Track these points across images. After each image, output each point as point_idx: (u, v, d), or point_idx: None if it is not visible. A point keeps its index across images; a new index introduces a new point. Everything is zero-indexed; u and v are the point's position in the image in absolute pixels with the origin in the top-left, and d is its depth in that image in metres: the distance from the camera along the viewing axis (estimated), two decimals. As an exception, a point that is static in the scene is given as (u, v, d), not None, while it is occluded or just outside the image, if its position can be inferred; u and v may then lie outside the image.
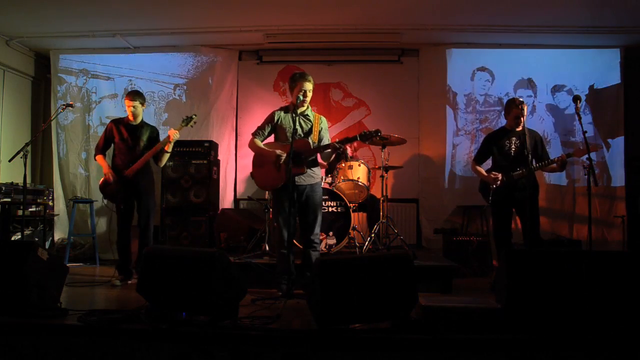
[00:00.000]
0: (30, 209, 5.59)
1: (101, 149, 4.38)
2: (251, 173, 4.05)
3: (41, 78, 6.60)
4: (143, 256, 2.96)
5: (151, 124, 4.54)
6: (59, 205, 6.16)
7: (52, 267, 3.08)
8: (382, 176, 4.79)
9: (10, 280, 2.85)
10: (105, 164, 4.32)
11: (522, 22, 5.39)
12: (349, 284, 2.59)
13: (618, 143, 5.88)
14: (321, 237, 4.46)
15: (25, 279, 2.85)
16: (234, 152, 6.33)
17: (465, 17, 5.37)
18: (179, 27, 5.66)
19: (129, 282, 4.24)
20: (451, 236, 5.19)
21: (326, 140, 3.91)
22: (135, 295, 2.97)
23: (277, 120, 3.82)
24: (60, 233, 6.12)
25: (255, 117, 5.80)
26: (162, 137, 4.50)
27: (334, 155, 3.91)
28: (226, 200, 6.20)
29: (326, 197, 4.66)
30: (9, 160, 4.32)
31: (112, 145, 4.40)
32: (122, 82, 6.30)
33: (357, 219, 5.17)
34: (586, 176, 3.76)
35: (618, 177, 5.86)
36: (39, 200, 5.73)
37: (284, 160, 3.63)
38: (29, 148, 4.20)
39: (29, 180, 4.60)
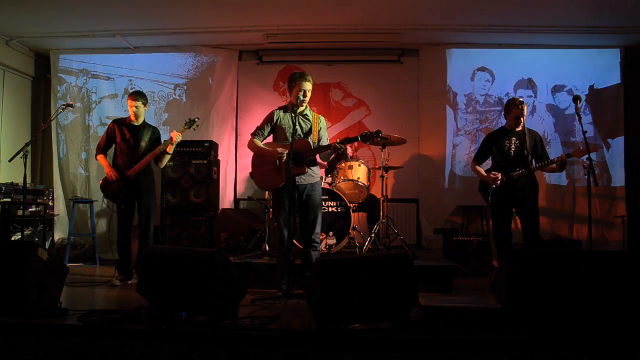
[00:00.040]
0: (30, 209, 5.58)
1: (102, 149, 4.39)
2: (250, 173, 4.06)
3: (41, 78, 6.60)
4: (143, 256, 2.96)
5: (151, 124, 4.55)
6: (59, 205, 6.16)
7: (52, 267, 3.08)
8: (382, 176, 4.79)
9: (10, 280, 2.85)
10: (106, 163, 4.33)
11: (522, 22, 5.39)
12: (349, 284, 2.59)
13: (618, 143, 5.88)
14: (321, 237, 4.46)
15: (25, 279, 2.85)
16: (234, 152, 6.33)
17: (465, 17, 5.37)
18: (179, 27, 5.66)
19: (129, 282, 4.24)
20: (451, 236, 5.19)
21: (325, 140, 3.91)
22: (135, 295, 2.97)
23: (277, 120, 3.81)
24: (60, 233, 6.12)
25: (255, 117, 5.80)
26: (162, 138, 4.51)
27: (333, 155, 3.90)
28: (226, 200, 6.20)
29: (326, 197, 4.66)
30: (9, 160, 4.32)
31: (114, 145, 4.40)
32: (122, 82, 6.30)
33: (357, 219, 5.17)
34: (586, 176, 3.76)
35: (618, 177, 5.86)
36: (39, 200, 5.73)
37: (285, 160, 3.62)
38: (29, 148, 4.20)
39: (29, 180, 4.60)
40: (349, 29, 5.62)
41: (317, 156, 3.92)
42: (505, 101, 4.93)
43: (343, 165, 4.88)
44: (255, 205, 5.94)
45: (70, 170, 6.23)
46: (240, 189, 6.32)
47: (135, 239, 4.35)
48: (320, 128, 3.89)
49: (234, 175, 6.32)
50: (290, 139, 3.61)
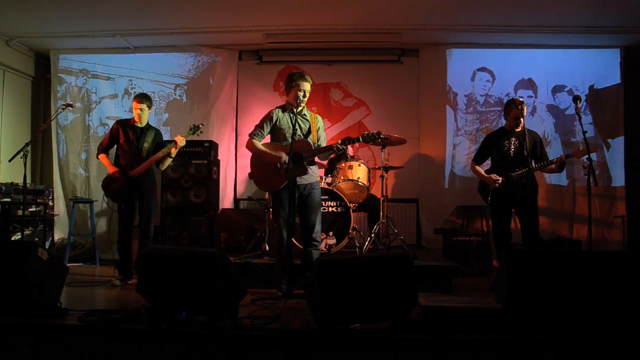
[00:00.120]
0: (30, 209, 5.59)
1: (104, 149, 4.40)
2: (250, 174, 4.04)
3: (41, 78, 6.60)
4: (143, 256, 2.96)
5: (152, 124, 4.55)
6: (59, 205, 6.16)
7: (52, 267, 3.08)
8: (382, 176, 4.79)
9: (10, 280, 2.85)
10: (108, 162, 4.34)
11: (522, 22, 5.39)
12: (349, 284, 2.58)
13: (618, 143, 5.88)
14: (321, 237, 4.46)
15: (25, 279, 2.85)
16: (234, 152, 6.33)
17: (465, 17, 5.37)
18: (179, 27, 5.66)
19: (129, 282, 4.25)
20: (451, 236, 5.20)
21: (323, 139, 3.91)
22: (135, 295, 2.97)
23: (276, 120, 3.79)
24: (60, 233, 6.12)
25: (255, 117, 5.74)
26: (163, 139, 4.52)
27: (333, 155, 3.89)
28: (226, 200, 6.20)
29: (326, 197, 4.65)
30: (9, 160, 4.32)
31: (115, 146, 4.41)
32: (122, 82, 6.31)
33: (357, 219, 5.17)
34: (586, 176, 3.76)
35: (618, 177, 5.86)
36: (39, 200, 5.73)
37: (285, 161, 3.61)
38: (29, 148, 4.21)
39: (29, 180, 4.60)
40: (349, 29, 5.62)
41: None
42: (505, 101, 4.93)
43: (343, 165, 4.88)
44: (255, 205, 5.94)
45: (70, 171, 6.23)
46: (240, 189, 6.32)
47: (135, 239, 4.36)
48: (319, 128, 3.88)
49: (234, 175, 6.32)
50: (289, 140, 3.60)
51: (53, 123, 6.17)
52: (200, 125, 4.42)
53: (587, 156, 3.74)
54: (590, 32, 5.53)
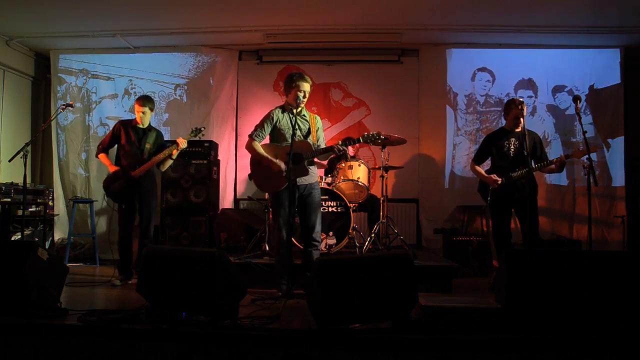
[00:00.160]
0: (30, 209, 5.59)
1: (105, 148, 4.41)
2: (249, 175, 4.02)
3: (41, 78, 6.60)
4: (143, 256, 2.96)
5: (152, 124, 4.55)
6: (59, 205, 6.16)
7: (52, 267, 3.08)
8: (382, 176, 4.79)
9: (10, 280, 2.85)
10: (109, 162, 4.35)
11: (522, 22, 5.39)
12: (349, 284, 2.58)
13: (618, 143, 5.88)
14: (321, 237, 4.46)
15: (25, 279, 2.85)
16: (234, 152, 6.33)
17: (465, 17, 5.37)
18: (178, 27, 5.66)
19: (130, 282, 4.25)
20: (451, 236, 5.20)
21: (322, 140, 3.91)
22: (136, 295, 2.97)
23: (276, 120, 3.76)
24: (60, 233, 6.12)
25: (255, 117, 5.75)
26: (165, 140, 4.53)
27: (333, 155, 3.89)
28: (226, 200, 6.20)
29: (326, 197, 4.65)
30: (9, 160, 4.32)
31: (116, 146, 4.42)
32: (123, 82, 6.30)
33: (357, 219, 5.17)
34: (586, 176, 3.76)
35: (618, 177, 5.86)
36: (39, 200, 5.73)
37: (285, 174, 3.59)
38: (29, 148, 4.21)
39: (29, 180, 4.60)
40: (349, 29, 5.62)
41: None
42: (505, 102, 4.93)
43: (343, 165, 4.88)
44: (255, 205, 5.94)
45: (70, 171, 6.23)
46: (240, 189, 6.32)
47: (135, 239, 4.36)
48: (318, 128, 3.88)
49: (234, 175, 6.32)
50: (289, 140, 3.59)
51: (53, 123, 6.17)
52: (202, 128, 4.44)
53: (587, 156, 3.74)
54: (590, 32, 5.53)
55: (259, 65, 6.35)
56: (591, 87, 5.95)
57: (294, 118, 3.71)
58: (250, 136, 3.79)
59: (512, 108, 4.20)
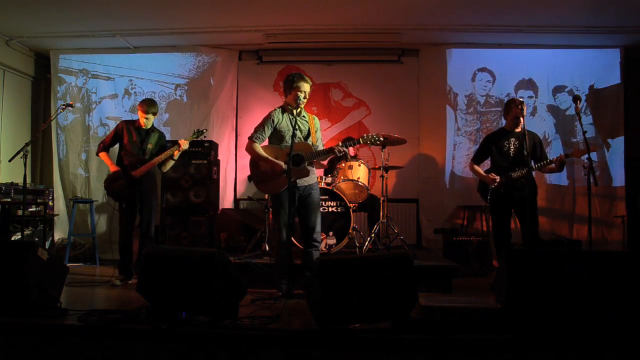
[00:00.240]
0: (30, 209, 5.59)
1: (106, 147, 4.42)
2: (249, 177, 4.01)
3: (41, 78, 6.61)
4: (143, 256, 2.96)
5: (154, 125, 4.55)
6: (59, 205, 6.16)
7: (52, 267, 3.08)
8: (382, 176, 4.79)
9: (10, 280, 2.85)
10: (110, 161, 4.35)
11: (522, 22, 5.39)
12: (349, 284, 2.59)
13: (618, 143, 5.88)
14: (321, 237, 4.46)
15: (25, 279, 2.85)
16: (234, 152, 6.33)
17: (465, 17, 5.36)
18: (178, 27, 5.66)
19: (130, 282, 4.25)
20: (451, 236, 5.20)
21: (321, 140, 3.91)
22: (136, 295, 2.98)
23: (277, 122, 3.75)
24: (60, 233, 6.12)
25: (255, 117, 5.78)
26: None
27: (333, 155, 3.89)
28: (226, 200, 6.20)
29: (326, 197, 4.66)
30: (9, 160, 4.32)
31: (118, 145, 4.42)
32: (123, 82, 6.30)
33: (357, 219, 5.17)
34: (586, 176, 3.76)
35: (618, 177, 5.86)
36: (39, 200, 5.73)
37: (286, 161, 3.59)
38: (29, 148, 4.21)
39: (29, 180, 4.60)
40: (349, 29, 5.62)
41: None
42: (505, 102, 4.93)
43: (343, 165, 4.88)
44: (255, 205, 5.94)
45: (70, 171, 6.23)
46: (240, 189, 6.32)
47: (136, 239, 4.36)
48: (317, 129, 3.88)
49: (234, 175, 6.32)
50: (289, 142, 3.59)
51: (53, 123, 6.17)
52: (205, 130, 4.45)
53: (587, 156, 3.74)
54: (590, 32, 5.53)
55: (259, 65, 6.35)
56: (591, 87, 5.95)
57: (294, 119, 3.71)
58: (250, 138, 3.76)
59: (512, 108, 4.21)
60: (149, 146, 4.33)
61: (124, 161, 4.32)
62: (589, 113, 5.93)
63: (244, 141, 6.09)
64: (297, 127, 3.71)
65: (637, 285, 2.66)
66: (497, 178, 4.16)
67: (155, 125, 4.54)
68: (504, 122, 4.44)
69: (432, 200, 6.07)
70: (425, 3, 5.05)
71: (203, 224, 5.36)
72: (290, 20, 5.45)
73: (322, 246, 4.47)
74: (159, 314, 2.74)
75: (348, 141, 3.74)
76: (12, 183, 5.44)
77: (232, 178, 6.31)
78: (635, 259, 2.77)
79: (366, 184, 4.84)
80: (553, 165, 4.13)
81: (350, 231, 4.63)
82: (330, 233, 4.61)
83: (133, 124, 4.41)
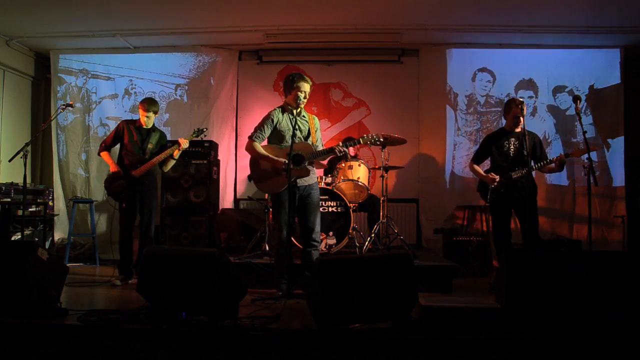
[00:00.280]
0: (30, 209, 5.59)
1: (107, 146, 4.42)
2: (249, 176, 4.01)
3: (41, 78, 6.61)
4: (143, 256, 2.96)
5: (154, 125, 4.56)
6: (59, 205, 6.16)
7: (52, 267, 3.08)
8: (382, 176, 4.79)
9: (10, 280, 2.85)
10: (111, 160, 4.34)
11: (522, 22, 5.39)
12: (349, 284, 2.59)
13: (618, 143, 5.88)
14: (321, 237, 4.46)
15: (25, 279, 2.85)
16: (234, 152, 6.33)
17: (465, 17, 5.36)
18: (178, 27, 5.66)
19: (130, 281, 4.25)
20: (451, 236, 5.20)
21: (320, 140, 3.91)
22: (136, 295, 2.98)
23: (276, 122, 3.75)
24: (60, 233, 6.12)
25: (255, 117, 5.76)
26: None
27: (333, 155, 3.89)
28: (226, 200, 6.20)
29: (326, 197, 4.66)
30: (9, 160, 4.32)
31: (118, 145, 4.42)
32: (123, 82, 6.30)
33: (357, 219, 5.17)
34: (586, 176, 3.76)
35: (618, 177, 5.86)
36: (39, 200, 5.73)
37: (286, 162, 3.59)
38: (29, 148, 4.21)
39: (29, 180, 4.61)
40: (349, 29, 5.62)
41: None
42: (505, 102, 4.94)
43: (343, 165, 4.88)
44: (255, 205, 5.94)
45: (70, 171, 6.23)
46: (240, 189, 6.32)
47: (136, 239, 4.36)
48: (317, 129, 3.88)
49: (234, 175, 6.32)
50: (289, 142, 3.59)
51: (53, 123, 6.17)
52: (205, 129, 4.45)
53: (587, 156, 3.74)
54: (590, 32, 5.53)
55: (259, 65, 6.35)
56: (591, 87, 5.95)
57: (294, 119, 3.71)
58: (250, 137, 3.77)
59: (511, 107, 4.21)
60: (150, 146, 4.33)
61: (125, 161, 4.32)
62: (589, 113, 5.93)
63: (244, 141, 6.08)
64: (297, 127, 3.71)
65: (637, 285, 2.66)
66: (497, 177, 4.16)
67: (155, 125, 4.54)
68: (504, 122, 4.44)
69: (432, 200, 6.07)
70: (425, 3, 5.04)
71: (203, 224, 5.36)
72: (290, 20, 5.45)
73: (322, 246, 4.48)
74: (159, 314, 2.74)
75: (348, 141, 3.74)
76: (12, 183, 5.44)
77: (232, 178, 6.31)
78: (635, 259, 2.78)
79: (366, 184, 4.85)
80: (553, 165, 4.14)
81: (350, 231, 4.63)
82: (330, 233, 4.61)
83: (134, 124, 4.41)
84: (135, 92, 6.25)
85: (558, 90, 6.00)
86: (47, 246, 5.82)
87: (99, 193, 6.07)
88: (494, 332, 2.57)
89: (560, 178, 5.84)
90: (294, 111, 3.74)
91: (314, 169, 3.86)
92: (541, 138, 4.55)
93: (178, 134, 5.85)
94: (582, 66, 5.94)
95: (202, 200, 5.39)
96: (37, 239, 5.58)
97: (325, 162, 4.82)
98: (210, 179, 5.45)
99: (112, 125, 6.08)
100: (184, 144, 4.28)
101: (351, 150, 4.99)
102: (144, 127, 4.39)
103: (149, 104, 4.37)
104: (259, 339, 2.52)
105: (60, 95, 6.29)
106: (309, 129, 3.83)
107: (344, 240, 4.62)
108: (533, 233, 4.01)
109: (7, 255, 2.95)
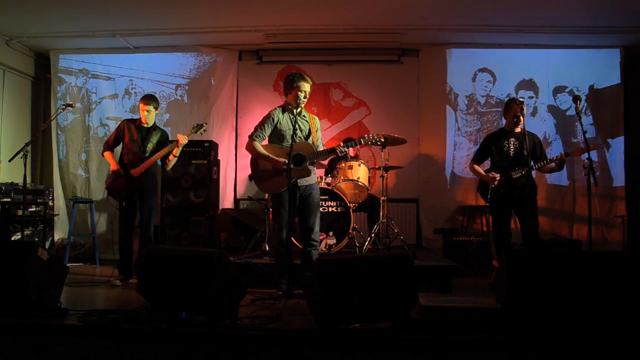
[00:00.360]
0: (30, 209, 5.59)
1: (110, 146, 4.42)
2: (250, 176, 4.01)
3: (41, 78, 6.61)
4: (143, 256, 2.96)
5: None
6: (59, 205, 6.16)
7: (52, 267, 3.08)
8: (382, 176, 4.79)
9: (10, 280, 2.85)
10: (113, 160, 4.35)
11: (522, 22, 5.39)
12: (349, 284, 2.58)
13: (618, 143, 5.88)
14: (321, 237, 4.46)
15: (25, 279, 2.84)
16: (234, 152, 6.33)
17: (465, 17, 5.37)
18: (178, 27, 5.66)
19: (130, 281, 4.25)
20: (451, 236, 5.20)
21: (321, 140, 3.91)
22: (136, 295, 2.97)
23: (277, 121, 3.75)
24: (60, 233, 6.12)
25: (255, 117, 5.76)
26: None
27: (333, 155, 3.89)
28: (226, 200, 6.20)
29: (326, 197, 4.66)
30: (9, 160, 4.33)
31: (121, 144, 4.42)
32: (123, 82, 6.30)
33: (357, 219, 5.17)
34: (586, 176, 3.76)
35: (618, 177, 5.86)
36: (39, 200, 5.73)
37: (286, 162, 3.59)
38: (29, 148, 4.21)
39: (29, 180, 4.61)
40: (349, 29, 5.62)
41: None
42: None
43: (343, 165, 4.88)
44: (255, 205, 5.94)
45: (70, 171, 6.23)
46: (240, 189, 6.32)
47: (136, 238, 4.36)
48: (317, 129, 3.88)
49: (234, 175, 6.32)
50: (290, 141, 3.59)
51: (53, 123, 6.17)
52: (204, 124, 4.43)
53: (587, 156, 3.74)
54: (590, 32, 5.53)
55: (259, 65, 6.35)
56: (591, 87, 5.95)
57: (294, 118, 3.71)
58: (250, 137, 3.77)
59: (512, 106, 4.21)
60: (150, 145, 4.32)
61: (125, 160, 4.32)
62: (589, 113, 5.93)
63: (244, 141, 6.08)
64: (297, 126, 3.71)
65: (637, 285, 2.66)
66: (497, 176, 4.16)
67: (156, 124, 4.54)
68: (504, 122, 4.44)
69: (432, 200, 6.07)
70: (425, 3, 5.05)
71: (203, 224, 5.36)
72: (290, 20, 5.45)
73: (322, 246, 4.48)
74: (159, 314, 2.73)
75: (349, 142, 3.74)
76: (12, 183, 5.44)
77: (232, 178, 6.31)
78: (635, 259, 2.77)
79: (366, 184, 4.85)
80: (553, 164, 4.14)
81: (350, 231, 4.63)
82: (330, 233, 4.61)
83: (134, 123, 4.42)
84: (135, 92, 6.25)
85: (558, 90, 6.00)
86: (47, 246, 5.83)
87: (99, 193, 6.07)
88: (493, 332, 2.56)
89: (560, 178, 5.84)
90: (295, 111, 3.74)
91: (315, 169, 3.86)
92: (541, 138, 4.55)
93: (179, 133, 5.84)
94: (582, 66, 5.95)
95: (202, 200, 5.39)
96: (37, 239, 5.58)
97: (325, 162, 4.82)
98: (210, 179, 5.45)
99: (112, 126, 6.08)
100: (183, 139, 4.26)
101: (351, 151, 4.99)
102: (145, 125, 4.38)
103: (149, 98, 4.38)
104: (259, 339, 2.52)
105: (60, 95, 6.29)
106: (310, 128, 3.83)
107: (344, 240, 4.62)
108: (533, 233, 4.01)
109: (7, 255, 2.95)
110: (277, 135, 3.77)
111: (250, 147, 3.77)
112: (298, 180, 3.67)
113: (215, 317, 2.68)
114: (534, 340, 2.46)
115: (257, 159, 3.79)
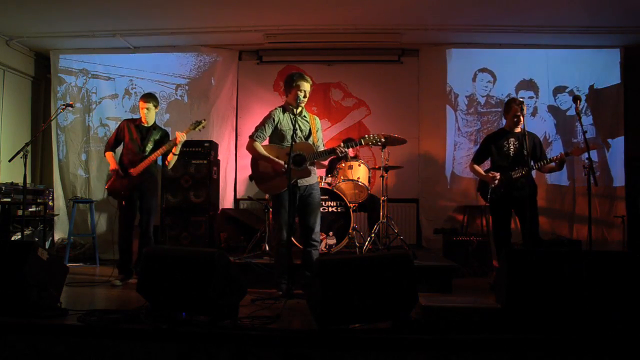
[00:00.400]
0: (30, 209, 5.59)
1: (111, 147, 4.43)
2: (250, 176, 4.01)
3: (41, 78, 6.61)
4: (143, 256, 2.96)
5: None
6: (59, 205, 6.16)
7: (52, 267, 3.08)
8: (382, 176, 4.79)
9: (10, 280, 2.85)
10: (113, 160, 4.36)
11: (522, 22, 5.39)
12: (349, 284, 2.58)
13: (618, 143, 5.88)
14: (321, 237, 4.46)
15: (25, 279, 2.84)
16: (234, 152, 6.33)
17: (465, 17, 5.37)
18: (178, 27, 5.66)
19: (129, 281, 4.25)
20: (451, 236, 5.20)
21: (321, 140, 3.91)
22: (136, 295, 2.97)
23: (277, 121, 3.75)
24: (60, 233, 6.12)
25: (255, 117, 5.77)
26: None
27: (333, 156, 3.89)
28: (226, 200, 6.20)
29: (326, 197, 4.66)
30: (9, 160, 4.33)
31: (122, 144, 4.42)
32: (123, 82, 6.30)
33: (357, 219, 5.17)
34: (586, 176, 3.76)
35: (618, 177, 5.86)
36: (39, 200, 5.73)
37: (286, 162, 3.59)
38: (29, 148, 4.21)
39: (29, 180, 4.61)
40: (349, 29, 5.62)
41: None
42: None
43: (343, 165, 4.88)
44: (255, 205, 5.94)
45: (70, 171, 6.23)
46: (240, 189, 6.32)
47: (136, 238, 4.36)
48: (318, 129, 3.88)
49: (234, 175, 6.32)
50: (290, 142, 3.59)
51: (53, 123, 6.17)
52: (203, 121, 4.41)
53: (587, 156, 3.74)
54: (590, 32, 5.53)
55: (259, 65, 6.35)
56: (591, 87, 5.95)
57: (294, 118, 3.71)
58: (251, 137, 3.77)
59: (512, 106, 4.21)
60: (149, 145, 4.32)
61: (125, 160, 4.32)
62: (589, 113, 5.93)
63: (244, 141, 6.11)
64: (297, 126, 3.71)
65: (637, 285, 2.66)
66: (497, 175, 4.16)
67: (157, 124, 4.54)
68: (504, 122, 4.44)
69: (432, 200, 6.07)
70: (425, 3, 5.05)
71: (203, 224, 5.36)
72: (290, 20, 5.45)
73: (322, 246, 4.48)
74: (159, 314, 2.73)
75: (349, 142, 3.74)
76: (12, 183, 5.44)
77: (232, 178, 6.31)
78: (635, 259, 2.77)
79: (366, 184, 4.85)
80: (553, 164, 4.14)
81: (350, 231, 4.63)
82: (330, 233, 4.61)
83: (134, 122, 4.42)
84: (135, 92, 6.25)
85: (558, 90, 6.00)
86: (47, 246, 5.83)
87: (99, 193, 6.08)
88: (493, 332, 2.56)
89: (560, 178, 5.84)
90: (295, 111, 3.74)
91: (315, 169, 3.86)
92: (541, 138, 4.56)
93: (177, 131, 5.85)
94: (582, 66, 5.95)
95: (202, 200, 5.39)
96: (37, 239, 5.58)
97: (326, 162, 4.82)
98: (210, 179, 5.45)
99: (112, 126, 6.09)
100: (181, 137, 4.23)
101: (351, 151, 5.00)
102: (145, 124, 4.38)
103: (148, 96, 4.39)
104: (259, 339, 2.52)
105: (60, 95, 6.29)
106: (310, 129, 3.83)
107: (344, 240, 4.62)
108: (533, 233, 4.01)
109: (7, 255, 2.95)
110: (277, 136, 3.77)
111: (250, 148, 3.76)
112: (298, 181, 3.67)
113: (215, 317, 2.68)
114: (534, 340, 2.46)
115: (257, 160, 3.79)
